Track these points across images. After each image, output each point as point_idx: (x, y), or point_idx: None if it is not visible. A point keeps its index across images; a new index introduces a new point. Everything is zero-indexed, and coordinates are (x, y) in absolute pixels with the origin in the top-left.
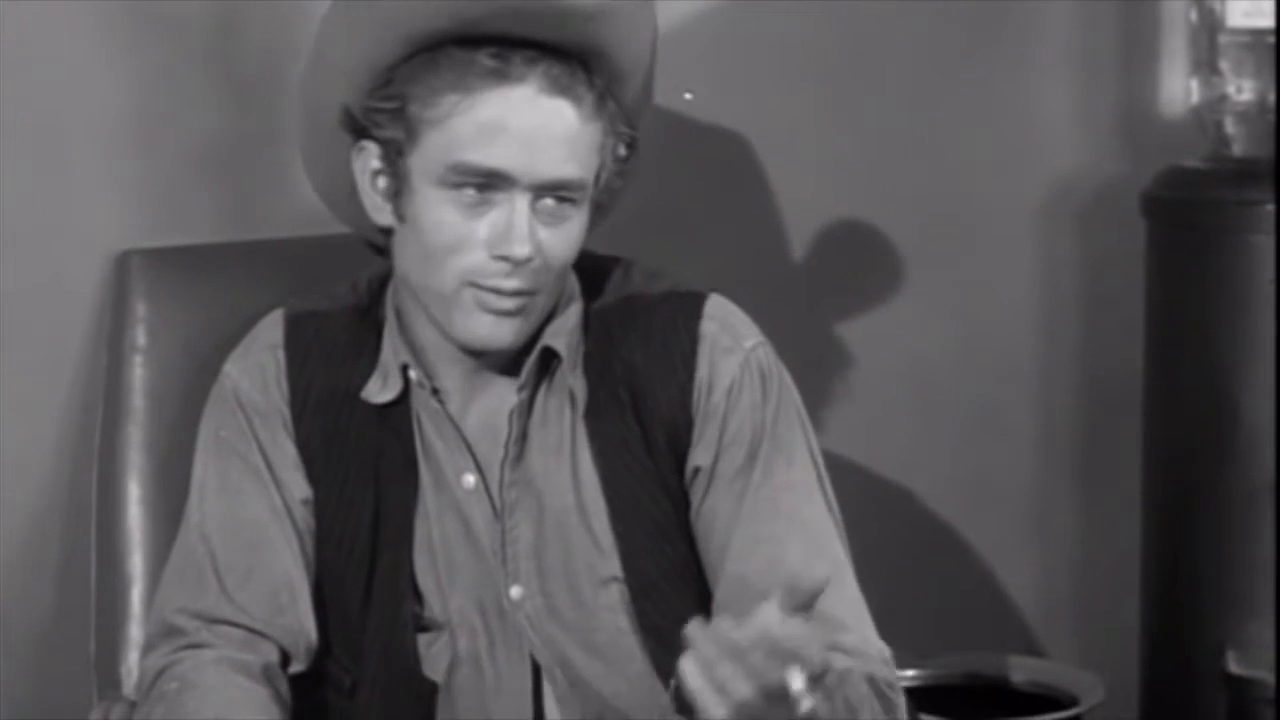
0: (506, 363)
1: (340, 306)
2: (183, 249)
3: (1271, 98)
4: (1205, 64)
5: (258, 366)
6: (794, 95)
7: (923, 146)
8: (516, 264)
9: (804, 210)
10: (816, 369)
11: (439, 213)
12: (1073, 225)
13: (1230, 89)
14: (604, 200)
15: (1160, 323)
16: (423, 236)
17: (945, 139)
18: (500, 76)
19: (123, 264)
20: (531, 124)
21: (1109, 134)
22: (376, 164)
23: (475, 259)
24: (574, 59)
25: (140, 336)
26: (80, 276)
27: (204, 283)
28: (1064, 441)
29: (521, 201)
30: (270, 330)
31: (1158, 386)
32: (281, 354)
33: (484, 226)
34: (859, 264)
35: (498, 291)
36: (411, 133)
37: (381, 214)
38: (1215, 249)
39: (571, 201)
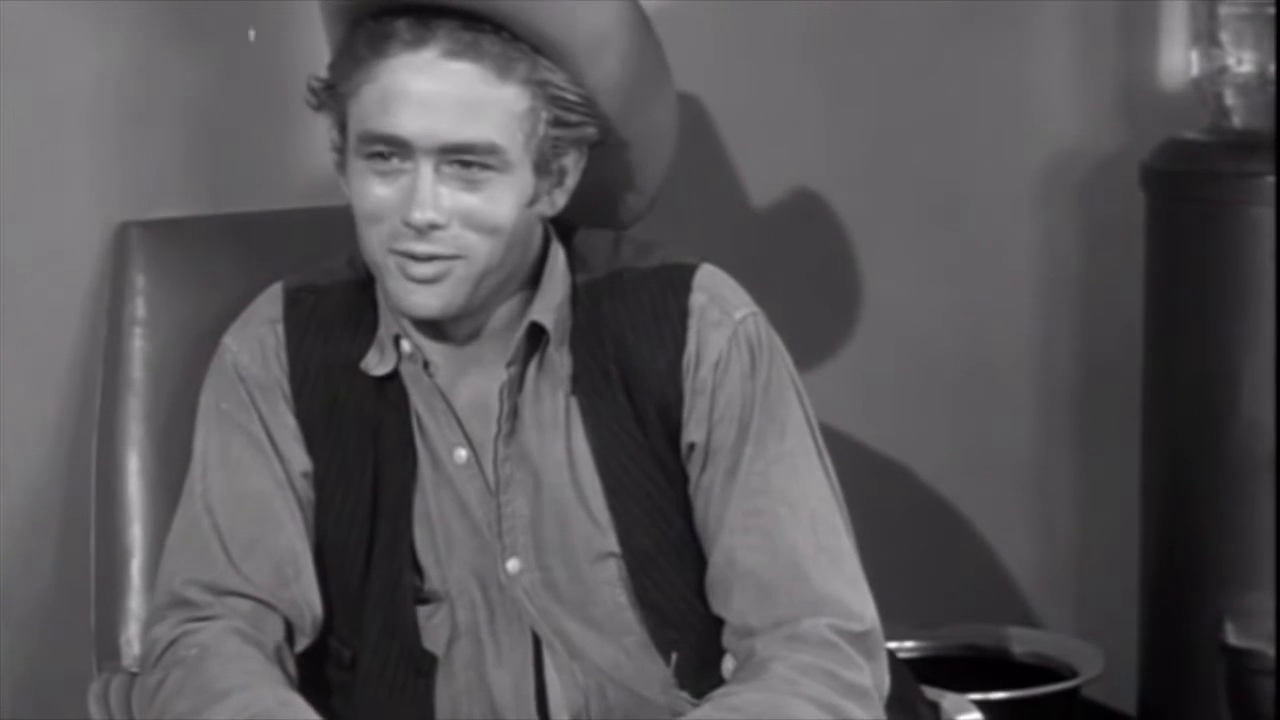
0: (496, 338)
1: (338, 280)
2: (182, 221)
3: (1271, 69)
4: (1205, 36)
5: (257, 340)
6: (794, 69)
7: (922, 119)
8: (420, 229)
9: (803, 183)
10: (816, 342)
11: (360, 183)
12: (1072, 197)
13: (1230, 61)
14: (554, 165)
15: (1160, 295)
16: (353, 207)
17: (945, 112)
18: (405, 44)
19: (122, 236)
20: (429, 88)
21: (1109, 106)
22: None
23: (391, 225)
24: (491, 25)
25: (139, 308)
26: (79, 249)
27: (203, 255)
28: (1063, 413)
29: (425, 166)
30: (269, 304)
31: (1157, 359)
32: (280, 328)
33: (395, 193)
34: (858, 236)
35: (412, 256)
36: (339, 108)
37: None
38: (1215, 221)
39: (487, 166)
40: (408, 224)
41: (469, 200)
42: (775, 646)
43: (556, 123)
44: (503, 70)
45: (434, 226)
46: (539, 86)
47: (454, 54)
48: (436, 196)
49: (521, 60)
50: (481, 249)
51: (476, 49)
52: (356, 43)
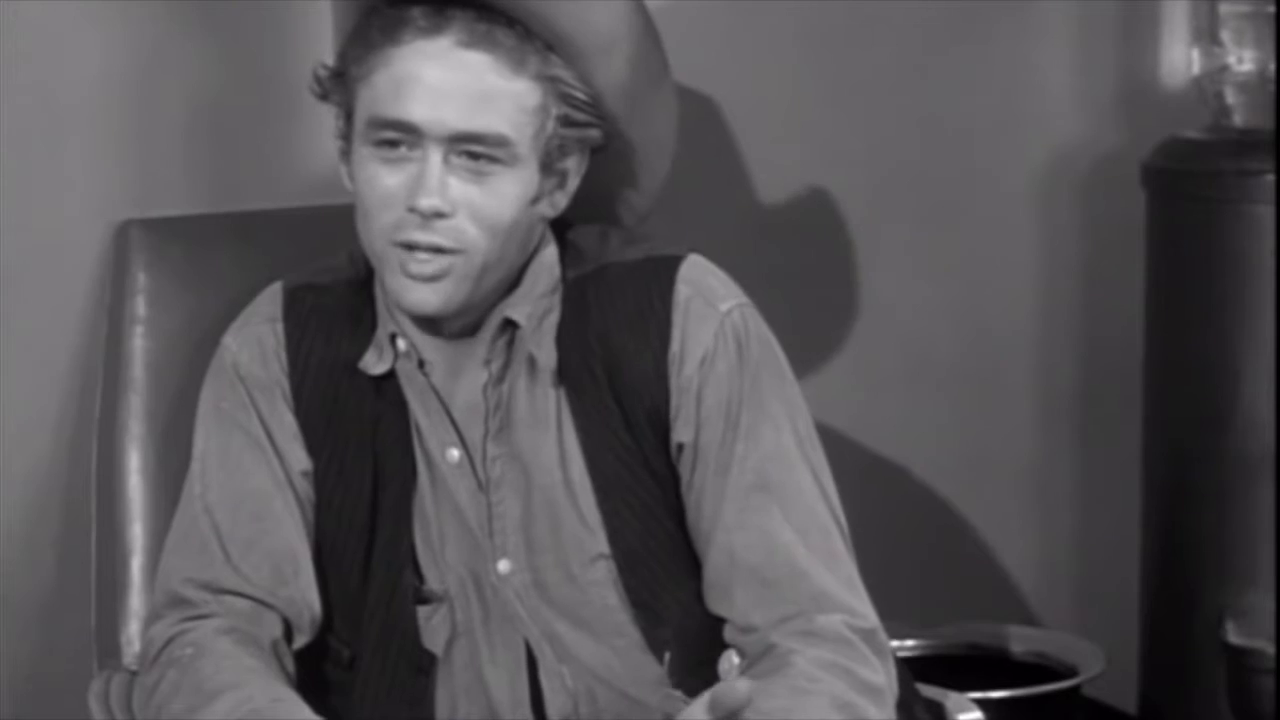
0: (487, 336)
1: (338, 279)
2: (183, 219)
3: (1272, 68)
4: (1206, 34)
5: (256, 339)
6: (795, 66)
7: (923, 117)
8: (426, 216)
9: (803, 181)
10: (815, 340)
11: (367, 170)
12: (1073, 196)
13: (1231, 59)
14: (558, 165)
15: (1160, 293)
16: (357, 195)
17: (945, 109)
18: (420, 31)
19: (123, 234)
20: (443, 76)
21: (1109, 104)
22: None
23: (395, 214)
24: (505, 18)
25: (140, 307)
26: (80, 247)
27: (204, 253)
28: (1063, 412)
29: (434, 154)
30: (269, 303)
31: (1157, 357)
32: (280, 327)
33: (402, 180)
34: (858, 234)
35: (413, 246)
36: (349, 94)
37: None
38: (1215, 219)
39: (495, 159)
40: (413, 210)
41: (475, 192)
42: (793, 640)
43: (565, 121)
44: (516, 63)
45: (439, 215)
46: (550, 83)
47: (468, 43)
48: (444, 185)
49: (534, 55)
50: (481, 244)
51: (491, 40)
52: (370, 28)
